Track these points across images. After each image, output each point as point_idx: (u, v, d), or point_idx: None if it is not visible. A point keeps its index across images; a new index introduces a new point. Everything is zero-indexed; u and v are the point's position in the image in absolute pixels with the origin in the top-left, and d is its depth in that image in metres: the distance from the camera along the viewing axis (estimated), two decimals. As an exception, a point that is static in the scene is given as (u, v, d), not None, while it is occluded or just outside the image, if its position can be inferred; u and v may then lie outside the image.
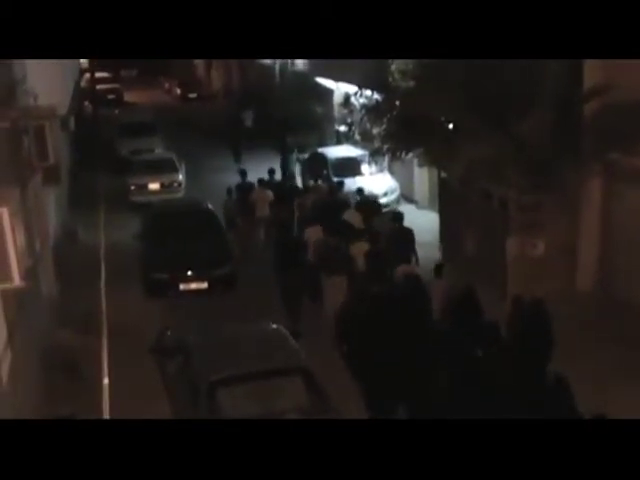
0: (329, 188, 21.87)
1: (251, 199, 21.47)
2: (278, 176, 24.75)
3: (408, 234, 17.35)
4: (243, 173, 22.98)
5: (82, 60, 42.80)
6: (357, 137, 25.51)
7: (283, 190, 22.20)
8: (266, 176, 22.86)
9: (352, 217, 18.68)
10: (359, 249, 16.23)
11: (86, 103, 44.51)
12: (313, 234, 17.36)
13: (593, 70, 15.20)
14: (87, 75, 45.69)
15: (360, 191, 20.85)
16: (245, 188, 22.20)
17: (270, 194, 21.50)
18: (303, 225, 18.77)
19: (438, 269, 14.96)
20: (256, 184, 22.05)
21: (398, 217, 17.90)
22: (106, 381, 14.36)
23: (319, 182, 23.62)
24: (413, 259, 16.99)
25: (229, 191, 22.15)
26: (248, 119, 38.61)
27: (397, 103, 18.67)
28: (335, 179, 23.24)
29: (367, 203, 19.91)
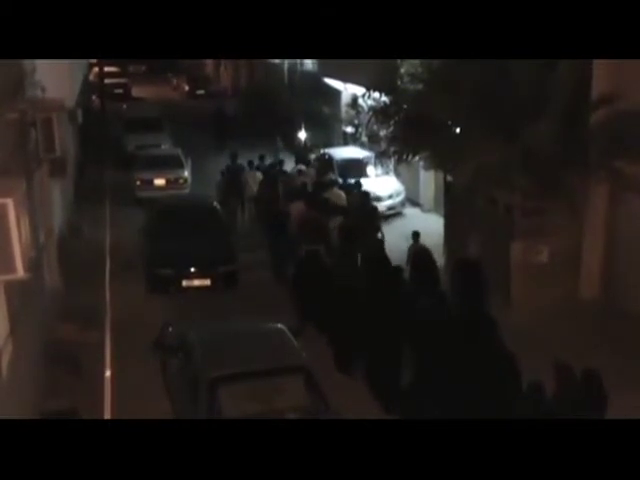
0: (316, 171, 24.71)
1: (242, 179, 23.96)
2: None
3: (373, 211, 20.37)
4: (234, 156, 25.24)
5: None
6: (364, 139, 25.50)
7: (272, 172, 24.55)
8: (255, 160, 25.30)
9: (335, 196, 20.86)
10: (335, 223, 18.67)
11: (94, 97, 44.53)
12: (296, 209, 19.70)
13: (600, 78, 15.20)
14: (95, 69, 45.69)
15: (344, 175, 23.44)
16: (236, 169, 24.61)
17: (259, 175, 23.93)
18: (288, 201, 21.08)
19: (415, 235, 17.63)
20: (246, 166, 24.59)
21: (365, 196, 20.73)
22: (107, 376, 14.37)
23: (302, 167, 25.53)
24: (379, 234, 19.62)
25: (222, 173, 24.65)
26: (230, 111, 40.70)
27: (405, 106, 18.69)
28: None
29: (348, 184, 22.27)
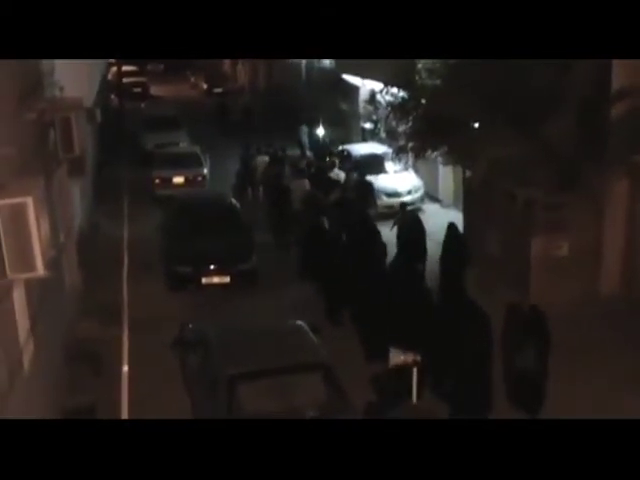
0: (319, 155, 27.71)
1: (252, 165, 26.72)
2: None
3: (369, 186, 23.29)
4: (246, 147, 27.92)
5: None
6: (382, 135, 25.45)
7: (278, 155, 27.17)
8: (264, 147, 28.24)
9: (334, 175, 24.22)
10: (332, 198, 21.57)
11: (112, 96, 44.67)
12: (298, 186, 22.47)
13: (620, 73, 15.09)
14: (114, 68, 45.86)
15: (342, 154, 26.49)
16: (248, 157, 27.46)
17: (267, 159, 26.54)
18: (293, 179, 23.55)
19: (403, 205, 19.56)
20: (255, 152, 27.58)
21: (362, 175, 23.62)
22: (126, 373, 14.43)
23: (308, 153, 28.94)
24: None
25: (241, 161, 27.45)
26: (235, 105, 43.02)
27: (423, 101, 18.62)
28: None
29: (347, 166, 25.30)
